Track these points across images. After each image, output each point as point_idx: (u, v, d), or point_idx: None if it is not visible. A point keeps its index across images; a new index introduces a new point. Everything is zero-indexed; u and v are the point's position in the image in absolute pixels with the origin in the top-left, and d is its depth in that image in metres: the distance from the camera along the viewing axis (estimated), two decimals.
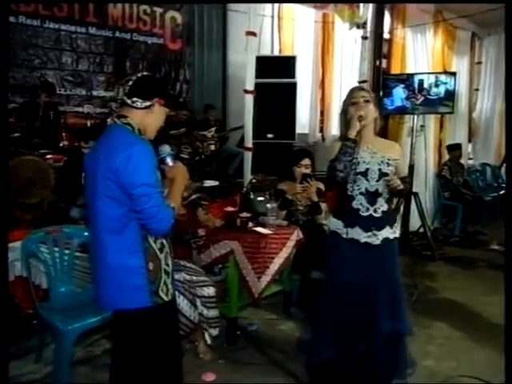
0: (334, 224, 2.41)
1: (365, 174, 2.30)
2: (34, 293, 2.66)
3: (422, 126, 5.38)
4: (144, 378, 1.84)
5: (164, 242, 1.83)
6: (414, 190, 5.53)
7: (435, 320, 3.58)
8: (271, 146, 5.87)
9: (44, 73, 5.45)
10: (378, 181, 2.30)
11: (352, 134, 2.23)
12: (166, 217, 1.73)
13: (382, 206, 2.33)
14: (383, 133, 5.97)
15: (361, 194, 2.32)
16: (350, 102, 2.32)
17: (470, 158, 7.81)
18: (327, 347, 2.37)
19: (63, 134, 4.72)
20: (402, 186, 2.23)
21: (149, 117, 1.82)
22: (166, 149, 1.95)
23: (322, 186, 3.67)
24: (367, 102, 2.28)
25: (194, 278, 2.84)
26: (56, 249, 2.78)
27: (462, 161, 6.83)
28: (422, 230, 5.57)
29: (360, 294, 2.31)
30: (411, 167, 5.46)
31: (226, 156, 5.93)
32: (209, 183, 4.87)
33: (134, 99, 1.77)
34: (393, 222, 2.39)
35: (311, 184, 3.50)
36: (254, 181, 3.94)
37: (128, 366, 1.85)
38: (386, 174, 2.29)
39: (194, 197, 2.94)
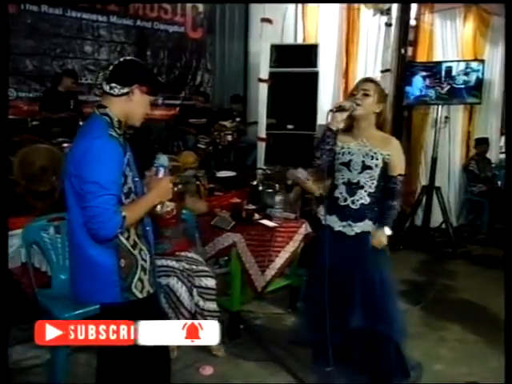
0: (319, 210, 2.53)
1: (348, 164, 2.35)
2: (35, 279, 2.68)
3: (447, 118, 5.14)
4: (119, 374, 1.80)
5: (136, 239, 1.76)
6: (437, 184, 5.32)
7: (450, 321, 3.41)
8: (291, 136, 5.76)
9: (66, 62, 5.50)
10: (360, 173, 2.33)
11: (331, 124, 2.22)
12: (111, 223, 1.60)
13: (361, 198, 2.34)
14: (407, 124, 5.80)
15: (343, 183, 2.38)
16: (351, 92, 2.35)
17: (502, 152, 7.36)
18: (309, 330, 2.49)
19: (80, 122, 4.75)
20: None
21: (128, 105, 1.71)
22: (162, 159, 1.85)
23: None
24: (366, 95, 2.27)
25: (194, 267, 2.82)
26: (58, 235, 2.78)
27: (493, 155, 6.48)
28: (444, 226, 5.33)
29: (333, 281, 2.29)
30: (434, 160, 5.28)
31: (245, 147, 5.86)
32: (223, 174, 4.81)
33: (113, 85, 1.68)
34: (379, 218, 2.34)
35: None
36: (266, 172, 3.85)
37: (107, 361, 1.82)
38: (370, 167, 2.31)
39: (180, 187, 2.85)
